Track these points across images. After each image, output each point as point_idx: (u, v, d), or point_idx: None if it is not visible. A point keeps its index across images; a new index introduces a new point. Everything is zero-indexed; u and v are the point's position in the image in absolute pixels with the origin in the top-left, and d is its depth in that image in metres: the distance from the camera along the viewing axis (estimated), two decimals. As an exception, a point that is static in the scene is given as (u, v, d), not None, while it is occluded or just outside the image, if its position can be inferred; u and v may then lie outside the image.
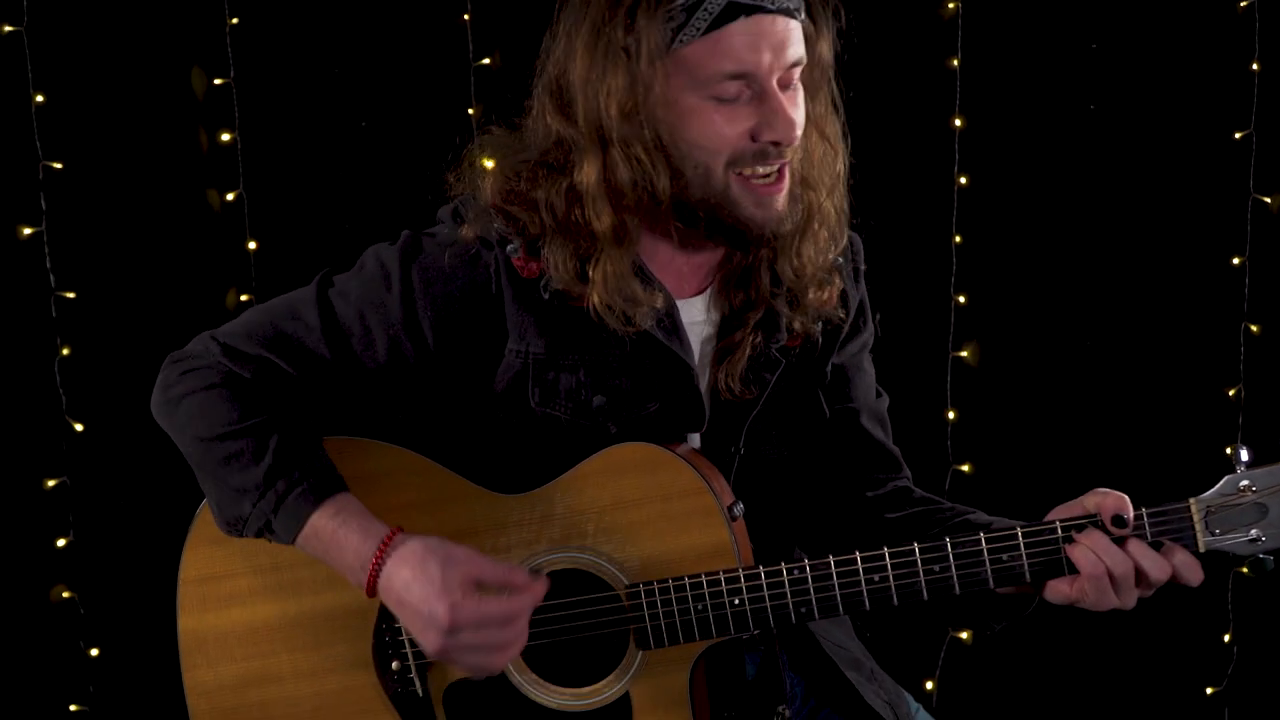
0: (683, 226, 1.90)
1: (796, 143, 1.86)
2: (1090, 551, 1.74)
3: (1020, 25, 3.44)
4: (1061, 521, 1.77)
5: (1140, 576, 1.74)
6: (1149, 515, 1.75)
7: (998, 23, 3.43)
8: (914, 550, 1.78)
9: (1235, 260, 3.42)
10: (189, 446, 1.89)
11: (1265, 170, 3.38)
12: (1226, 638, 3.51)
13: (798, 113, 1.87)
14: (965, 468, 3.56)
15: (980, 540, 1.77)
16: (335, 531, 1.82)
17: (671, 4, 1.81)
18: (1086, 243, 3.47)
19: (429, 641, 1.78)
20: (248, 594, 1.93)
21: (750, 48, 1.81)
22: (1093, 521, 1.75)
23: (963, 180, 3.48)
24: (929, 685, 3.56)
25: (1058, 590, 1.78)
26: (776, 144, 1.84)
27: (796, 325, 1.97)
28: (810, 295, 1.97)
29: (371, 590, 1.81)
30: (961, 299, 3.53)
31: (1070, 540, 1.76)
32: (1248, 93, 3.36)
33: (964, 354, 3.55)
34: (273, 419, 1.86)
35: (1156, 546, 1.75)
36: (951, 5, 3.44)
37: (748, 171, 1.85)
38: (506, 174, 1.93)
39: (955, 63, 3.45)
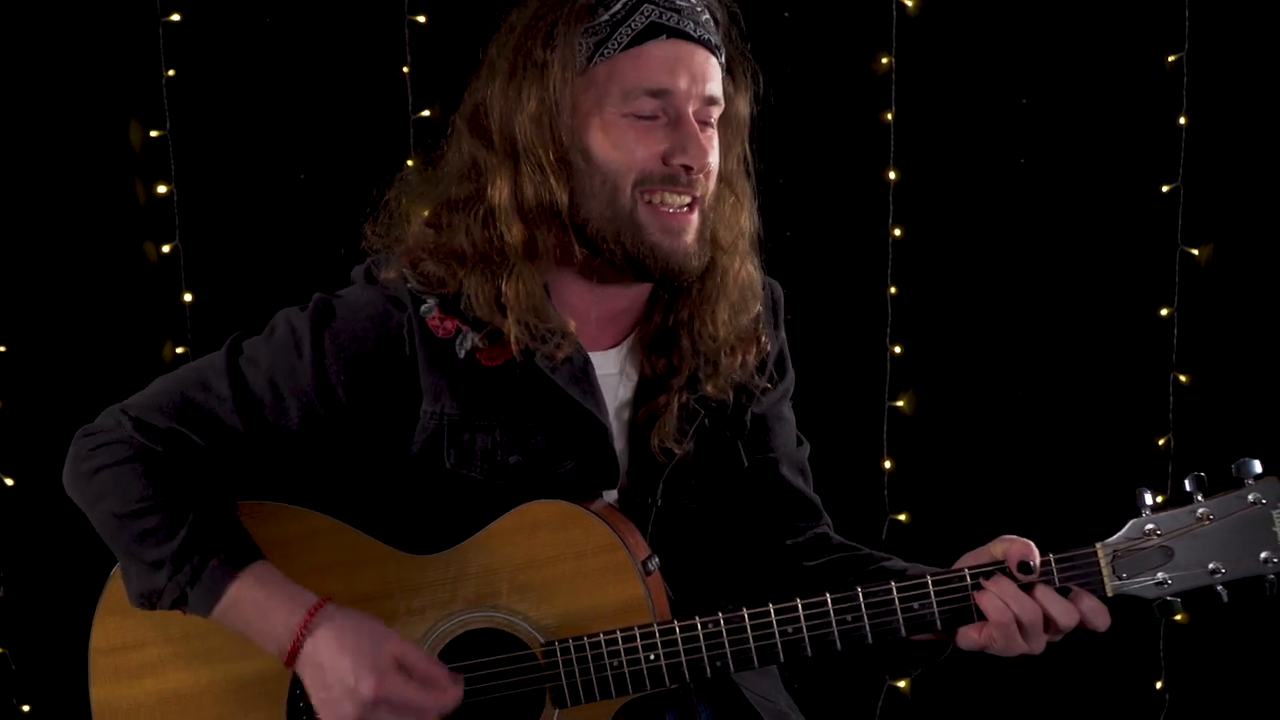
0: (588, 254, 1.88)
1: (708, 171, 1.87)
2: (998, 599, 1.75)
3: (952, 80, 3.49)
4: (970, 569, 1.78)
5: (1048, 622, 1.75)
6: (1057, 561, 1.76)
7: (930, 78, 3.48)
8: (826, 601, 1.79)
9: (1164, 311, 3.47)
10: (102, 522, 1.87)
11: (1192, 222, 3.44)
12: (1158, 685, 3.53)
13: (712, 151, 1.88)
14: (902, 517, 3.58)
15: (891, 589, 1.78)
16: (260, 601, 1.81)
17: (593, 20, 1.84)
18: (1018, 293, 3.51)
19: (344, 711, 1.77)
20: (159, 663, 1.91)
21: (669, 68, 1.84)
22: (1000, 569, 1.77)
23: (897, 232, 3.52)
24: (867, 735, 3.56)
25: (968, 637, 1.79)
26: (687, 169, 1.84)
27: (710, 389, 1.97)
28: (724, 360, 1.96)
29: (293, 658, 1.80)
30: (897, 349, 3.56)
31: (979, 587, 1.77)
32: (1175, 146, 3.42)
33: (900, 403, 3.57)
34: (186, 493, 1.84)
35: (1064, 592, 1.76)
36: (885, 61, 3.48)
37: (656, 199, 1.85)
38: (428, 222, 1.94)
39: (889, 117, 3.49)
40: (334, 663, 1.78)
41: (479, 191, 1.90)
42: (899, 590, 1.78)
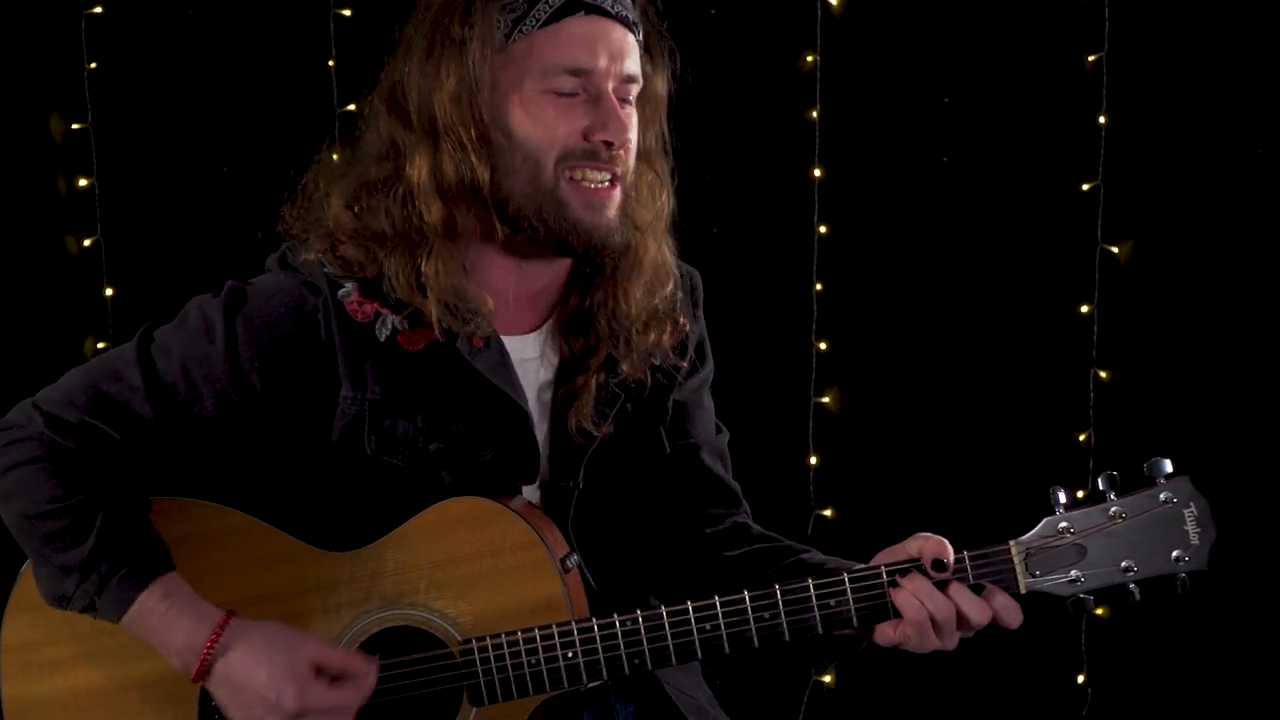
0: (510, 232, 1.88)
1: (628, 147, 1.87)
2: (913, 597, 1.76)
3: (877, 79, 3.52)
4: (886, 567, 1.79)
5: (961, 619, 1.77)
6: (970, 558, 1.78)
7: (855, 76, 3.51)
8: (744, 599, 1.79)
9: (1084, 308, 3.51)
10: (12, 521, 1.85)
11: (1112, 221, 3.48)
12: (1080, 679, 3.57)
13: (631, 128, 1.88)
14: (828, 512, 3.61)
15: (809, 587, 1.79)
16: (164, 614, 1.80)
17: None
18: (941, 290, 3.54)
19: None
20: (70, 661, 1.89)
21: (588, 45, 1.84)
22: (915, 566, 1.78)
23: (822, 229, 3.54)
24: (791, 730, 3.58)
25: (883, 634, 1.80)
26: (608, 144, 1.84)
27: (625, 368, 1.97)
28: (636, 339, 1.96)
29: (201, 676, 1.80)
30: (822, 345, 3.58)
31: (894, 585, 1.78)
32: (1095, 145, 3.46)
33: (825, 400, 3.60)
34: (97, 495, 1.82)
35: (979, 589, 1.77)
36: (810, 59, 3.50)
37: (578, 175, 1.85)
38: (347, 203, 1.91)
39: (814, 115, 3.51)
40: (251, 680, 1.78)
41: (397, 171, 1.89)
42: (816, 588, 1.79)
